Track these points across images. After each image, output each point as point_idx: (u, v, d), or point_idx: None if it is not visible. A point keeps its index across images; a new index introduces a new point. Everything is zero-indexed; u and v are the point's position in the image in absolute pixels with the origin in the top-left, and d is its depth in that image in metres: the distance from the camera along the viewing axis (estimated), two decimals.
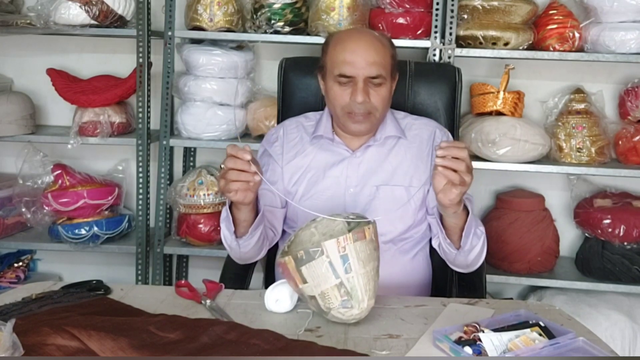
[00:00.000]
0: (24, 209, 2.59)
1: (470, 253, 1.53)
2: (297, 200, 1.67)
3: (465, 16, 2.35)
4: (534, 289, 2.63)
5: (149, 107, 2.56)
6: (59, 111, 2.82)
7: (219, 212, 2.55)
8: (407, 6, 2.34)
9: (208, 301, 1.32)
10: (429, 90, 1.88)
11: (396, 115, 1.73)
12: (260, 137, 2.42)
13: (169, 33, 2.51)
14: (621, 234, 2.41)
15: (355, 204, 1.64)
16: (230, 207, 1.48)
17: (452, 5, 2.31)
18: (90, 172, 2.67)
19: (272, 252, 1.84)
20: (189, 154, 2.79)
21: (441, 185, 1.34)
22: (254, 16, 2.42)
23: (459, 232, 1.48)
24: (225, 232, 1.53)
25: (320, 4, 2.37)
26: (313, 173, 1.67)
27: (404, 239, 1.66)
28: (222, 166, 1.34)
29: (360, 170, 1.65)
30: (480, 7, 2.32)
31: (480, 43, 2.34)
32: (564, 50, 2.35)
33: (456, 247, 1.52)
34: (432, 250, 1.82)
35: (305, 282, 1.19)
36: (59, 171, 2.57)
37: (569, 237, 2.69)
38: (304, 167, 1.68)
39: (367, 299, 1.21)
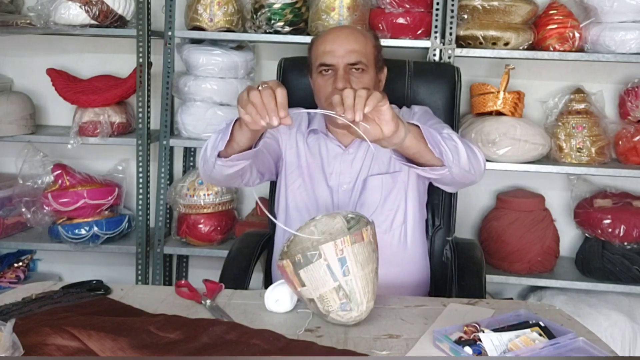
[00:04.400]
0: (24, 209, 2.59)
1: (458, 157, 1.37)
2: (292, 196, 1.68)
3: (465, 16, 2.35)
4: (534, 289, 2.63)
5: (149, 107, 2.56)
6: (59, 111, 2.82)
7: (219, 212, 2.57)
8: (407, 6, 2.34)
9: (208, 301, 1.32)
10: (428, 89, 1.89)
11: None
12: None
13: (169, 33, 2.51)
14: (621, 234, 2.41)
15: (348, 200, 1.64)
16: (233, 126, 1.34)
17: (452, 5, 2.31)
18: (90, 172, 2.67)
19: (272, 252, 1.85)
20: (189, 154, 2.79)
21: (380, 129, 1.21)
22: (254, 16, 2.42)
23: (426, 146, 1.32)
24: (211, 144, 1.40)
25: (320, 4, 2.36)
26: (308, 168, 1.68)
27: (399, 226, 1.66)
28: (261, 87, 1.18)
29: (353, 166, 1.66)
30: (480, 7, 2.32)
31: (480, 43, 2.34)
32: (564, 50, 2.35)
33: (440, 164, 1.36)
34: (431, 250, 1.82)
35: (303, 285, 1.19)
36: (59, 171, 2.57)
37: (569, 237, 2.69)
38: (299, 163, 1.69)
39: (366, 302, 1.20)
